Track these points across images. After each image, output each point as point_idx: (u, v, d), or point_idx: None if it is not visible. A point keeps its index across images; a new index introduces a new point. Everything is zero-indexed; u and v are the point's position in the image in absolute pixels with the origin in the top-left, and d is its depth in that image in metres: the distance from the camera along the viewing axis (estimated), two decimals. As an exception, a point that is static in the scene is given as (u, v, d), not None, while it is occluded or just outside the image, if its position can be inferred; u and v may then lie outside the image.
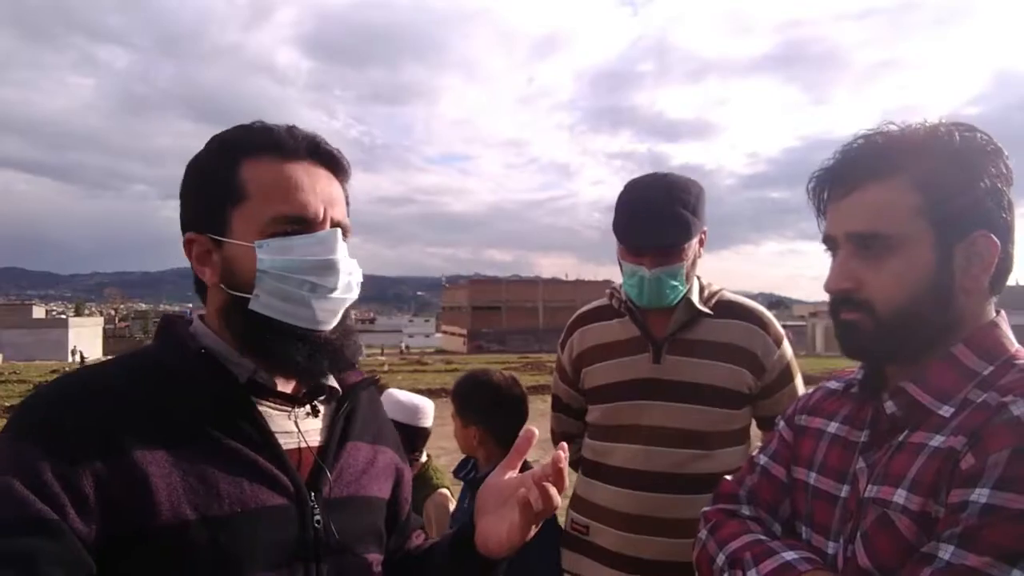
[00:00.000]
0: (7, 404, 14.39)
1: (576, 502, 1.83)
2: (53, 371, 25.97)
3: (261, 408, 0.90)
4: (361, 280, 0.96)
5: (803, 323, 57.75)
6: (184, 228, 0.92)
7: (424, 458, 2.63)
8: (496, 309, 67.20)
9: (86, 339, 53.36)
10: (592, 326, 1.84)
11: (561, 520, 1.88)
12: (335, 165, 0.95)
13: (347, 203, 0.98)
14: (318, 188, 0.90)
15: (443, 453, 8.16)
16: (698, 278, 1.75)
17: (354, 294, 0.94)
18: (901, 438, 0.90)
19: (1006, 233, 0.89)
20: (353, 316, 0.99)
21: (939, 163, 0.88)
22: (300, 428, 0.94)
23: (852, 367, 1.07)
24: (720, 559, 1.01)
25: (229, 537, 0.80)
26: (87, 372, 0.88)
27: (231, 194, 0.88)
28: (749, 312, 1.73)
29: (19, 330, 51.18)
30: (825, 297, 0.96)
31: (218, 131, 0.95)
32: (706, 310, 1.70)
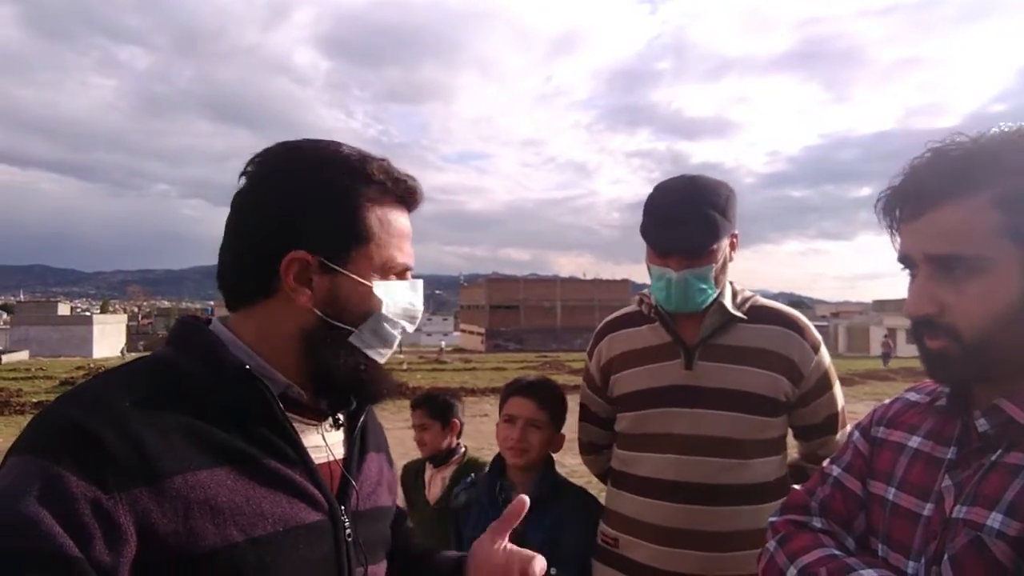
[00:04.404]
0: (34, 400, 14.61)
1: (606, 514, 1.77)
2: (78, 367, 26.41)
3: (293, 422, 0.89)
4: None
5: (825, 324, 57.16)
6: (287, 241, 0.86)
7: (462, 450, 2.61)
8: (514, 308, 67.22)
9: (110, 336, 54.15)
10: (621, 332, 1.78)
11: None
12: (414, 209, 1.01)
13: None
14: (411, 236, 0.97)
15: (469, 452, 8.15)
16: (731, 283, 1.69)
17: None
18: (994, 457, 0.85)
19: None
20: None
21: (1019, 177, 0.83)
22: (327, 442, 0.94)
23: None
24: (791, 572, 0.97)
25: (274, 556, 0.80)
26: (115, 383, 0.81)
27: (358, 231, 0.89)
28: (785, 317, 1.67)
29: (45, 327, 52.05)
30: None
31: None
32: (740, 315, 1.64)
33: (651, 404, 1.66)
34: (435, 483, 2.48)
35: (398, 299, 0.94)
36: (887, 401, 1.11)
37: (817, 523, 1.04)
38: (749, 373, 1.60)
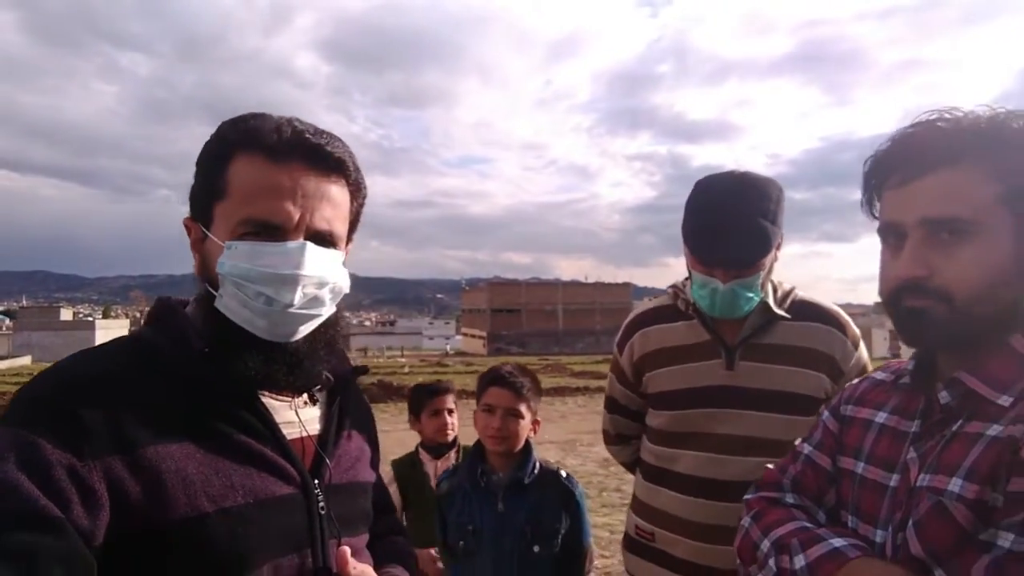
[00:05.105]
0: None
1: (639, 507, 1.76)
2: (80, 372, 26.33)
3: (265, 399, 0.91)
4: (346, 290, 0.95)
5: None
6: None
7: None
8: (516, 311, 67.15)
9: (112, 341, 54.06)
10: (654, 328, 1.73)
11: (617, 521, 1.84)
12: (332, 166, 0.90)
13: (360, 200, 0.97)
14: (300, 193, 0.86)
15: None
16: (771, 280, 1.64)
17: (326, 309, 0.93)
18: (955, 428, 0.88)
19: None
20: (340, 327, 0.98)
21: (1016, 151, 0.86)
22: (301, 418, 0.96)
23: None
24: (765, 545, 1.00)
25: (244, 527, 0.82)
26: (91, 360, 0.85)
27: (216, 189, 0.88)
28: (827, 314, 1.63)
29: (47, 332, 52.10)
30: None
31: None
32: (783, 313, 1.60)
33: (690, 404, 1.62)
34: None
35: (252, 258, 0.85)
36: (855, 381, 1.15)
37: (790, 499, 1.07)
38: (792, 373, 1.57)
